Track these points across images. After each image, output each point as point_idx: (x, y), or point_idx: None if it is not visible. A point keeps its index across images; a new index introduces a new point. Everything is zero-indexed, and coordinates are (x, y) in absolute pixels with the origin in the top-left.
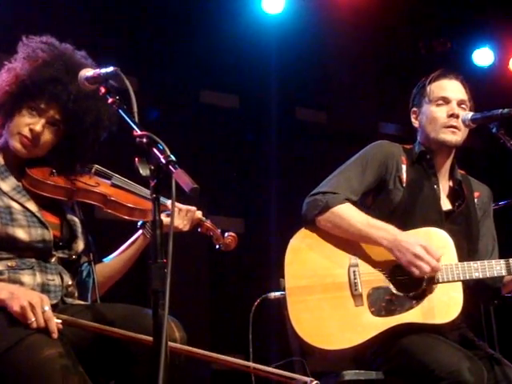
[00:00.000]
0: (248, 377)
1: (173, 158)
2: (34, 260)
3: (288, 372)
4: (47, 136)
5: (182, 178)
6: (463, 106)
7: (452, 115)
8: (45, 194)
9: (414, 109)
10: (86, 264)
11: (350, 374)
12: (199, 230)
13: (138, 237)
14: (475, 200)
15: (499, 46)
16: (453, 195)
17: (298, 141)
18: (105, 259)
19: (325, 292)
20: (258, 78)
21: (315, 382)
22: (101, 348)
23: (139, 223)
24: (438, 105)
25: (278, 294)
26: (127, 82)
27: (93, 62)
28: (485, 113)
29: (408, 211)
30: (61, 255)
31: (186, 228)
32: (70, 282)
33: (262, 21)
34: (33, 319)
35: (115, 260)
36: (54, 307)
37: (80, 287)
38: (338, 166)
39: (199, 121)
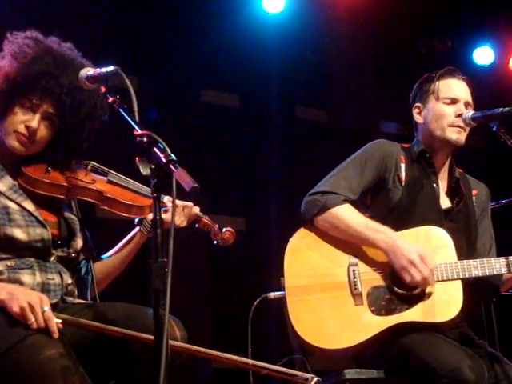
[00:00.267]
0: (248, 377)
1: (173, 157)
2: (33, 259)
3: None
4: (43, 131)
5: (182, 177)
6: (469, 107)
7: (460, 115)
8: (41, 193)
9: (418, 104)
10: (84, 261)
11: (350, 373)
12: (197, 225)
13: (136, 234)
14: (473, 198)
15: (499, 44)
16: (451, 193)
17: (299, 140)
18: (103, 256)
19: (324, 291)
20: (259, 77)
21: (316, 378)
22: (101, 348)
23: (136, 220)
24: (446, 103)
25: (277, 293)
26: (127, 81)
27: (79, 53)
28: (485, 111)
29: (407, 210)
30: (60, 254)
31: (184, 224)
32: (69, 281)
33: (263, 20)
34: (32, 320)
35: (113, 257)
36: (54, 306)
37: (79, 284)
38: (338, 165)
39: (200, 120)
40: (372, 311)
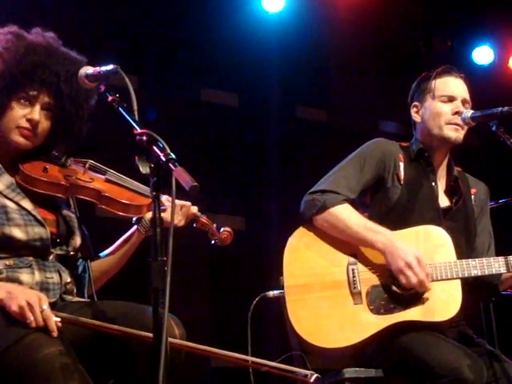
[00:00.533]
0: (247, 376)
1: (173, 155)
2: (31, 258)
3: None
4: (44, 122)
5: (182, 176)
6: (466, 105)
7: (457, 113)
8: (39, 191)
9: (416, 103)
10: (81, 260)
11: (349, 372)
12: (194, 225)
13: (133, 233)
14: (472, 197)
15: (499, 44)
16: (450, 192)
17: (298, 139)
18: (101, 254)
19: (323, 290)
20: (259, 77)
21: (315, 375)
22: (101, 346)
23: (134, 219)
24: (443, 101)
25: (276, 292)
26: (127, 80)
27: (60, 41)
28: (485, 111)
29: (406, 209)
30: (59, 252)
31: (181, 223)
32: (68, 280)
33: (263, 19)
34: (31, 318)
35: (110, 256)
36: (53, 305)
37: (76, 282)
38: (338, 164)
39: (199, 119)
40: (371, 310)
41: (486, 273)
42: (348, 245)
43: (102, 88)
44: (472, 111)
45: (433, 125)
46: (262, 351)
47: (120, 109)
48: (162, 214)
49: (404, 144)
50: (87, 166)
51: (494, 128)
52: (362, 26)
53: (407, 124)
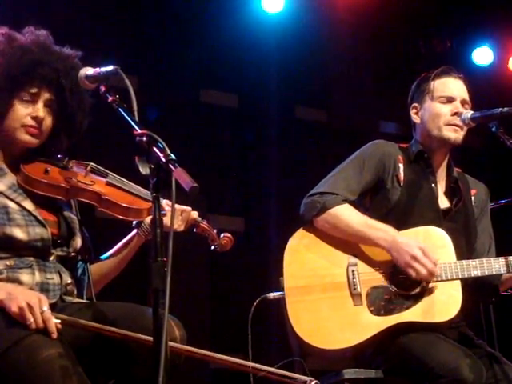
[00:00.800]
0: (247, 377)
1: (173, 156)
2: (32, 259)
3: (288, 372)
4: (47, 119)
5: (181, 177)
6: (466, 105)
7: (456, 114)
8: (40, 193)
9: (415, 104)
10: (80, 262)
11: (349, 373)
12: (195, 230)
13: (133, 236)
14: (472, 198)
15: (499, 44)
16: (450, 193)
17: (298, 140)
18: (101, 256)
19: (324, 292)
20: (258, 77)
21: (315, 381)
22: (100, 348)
23: (134, 223)
24: (442, 102)
25: (277, 294)
26: (127, 81)
27: (51, 37)
28: (484, 112)
29: (406, 210)
30: (59, 253)
31: (181, 228)
32: (69, 281)
33: (262, 20)
34: (31, 320)
35: (110, 259)
36: (53, 306)
37: (75, 284)
38: (338, 165)
39: (199, 119)
40: (371, 311)
41: (486, 273)
42: (348, 246)
43: (103, 89)
44: (472, 112)
45: (432, 126)
46: (263, 353)
47: (120, 109)
48: (164, 218)
49: (403, 145)
50: (88, 168)
51: (493, 129)
52: (362, 27)
53: (407, 125)
